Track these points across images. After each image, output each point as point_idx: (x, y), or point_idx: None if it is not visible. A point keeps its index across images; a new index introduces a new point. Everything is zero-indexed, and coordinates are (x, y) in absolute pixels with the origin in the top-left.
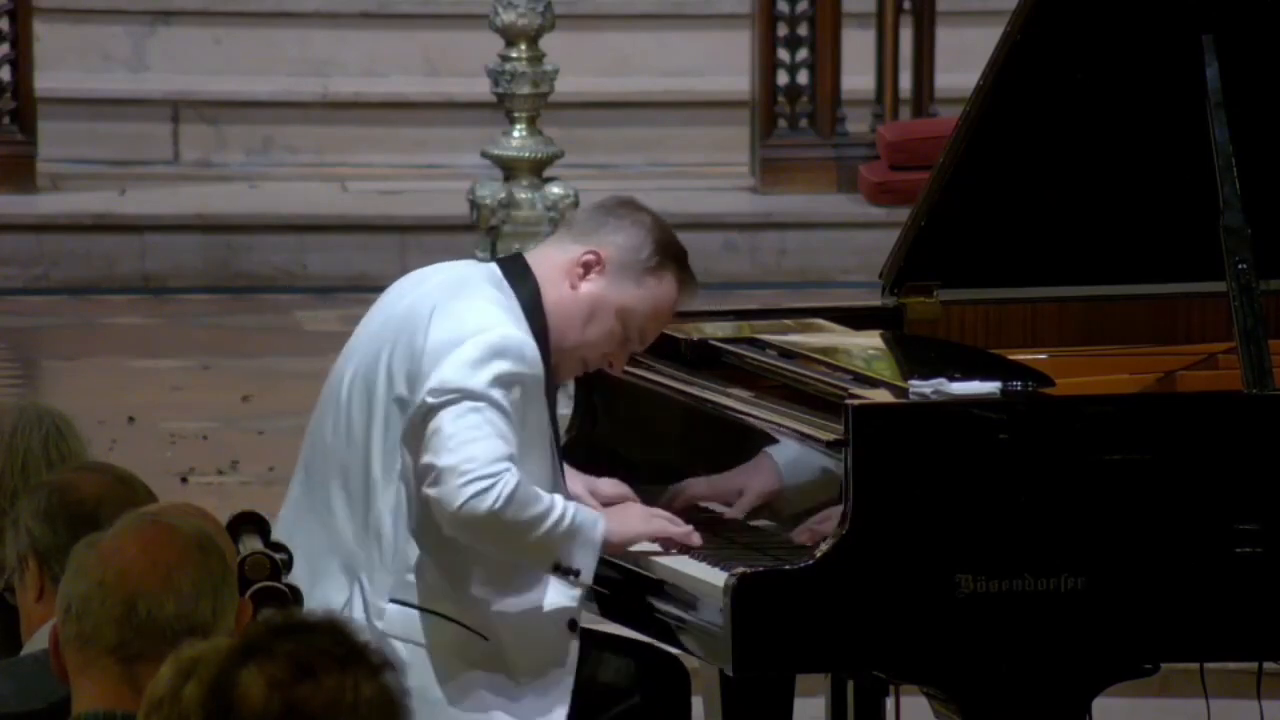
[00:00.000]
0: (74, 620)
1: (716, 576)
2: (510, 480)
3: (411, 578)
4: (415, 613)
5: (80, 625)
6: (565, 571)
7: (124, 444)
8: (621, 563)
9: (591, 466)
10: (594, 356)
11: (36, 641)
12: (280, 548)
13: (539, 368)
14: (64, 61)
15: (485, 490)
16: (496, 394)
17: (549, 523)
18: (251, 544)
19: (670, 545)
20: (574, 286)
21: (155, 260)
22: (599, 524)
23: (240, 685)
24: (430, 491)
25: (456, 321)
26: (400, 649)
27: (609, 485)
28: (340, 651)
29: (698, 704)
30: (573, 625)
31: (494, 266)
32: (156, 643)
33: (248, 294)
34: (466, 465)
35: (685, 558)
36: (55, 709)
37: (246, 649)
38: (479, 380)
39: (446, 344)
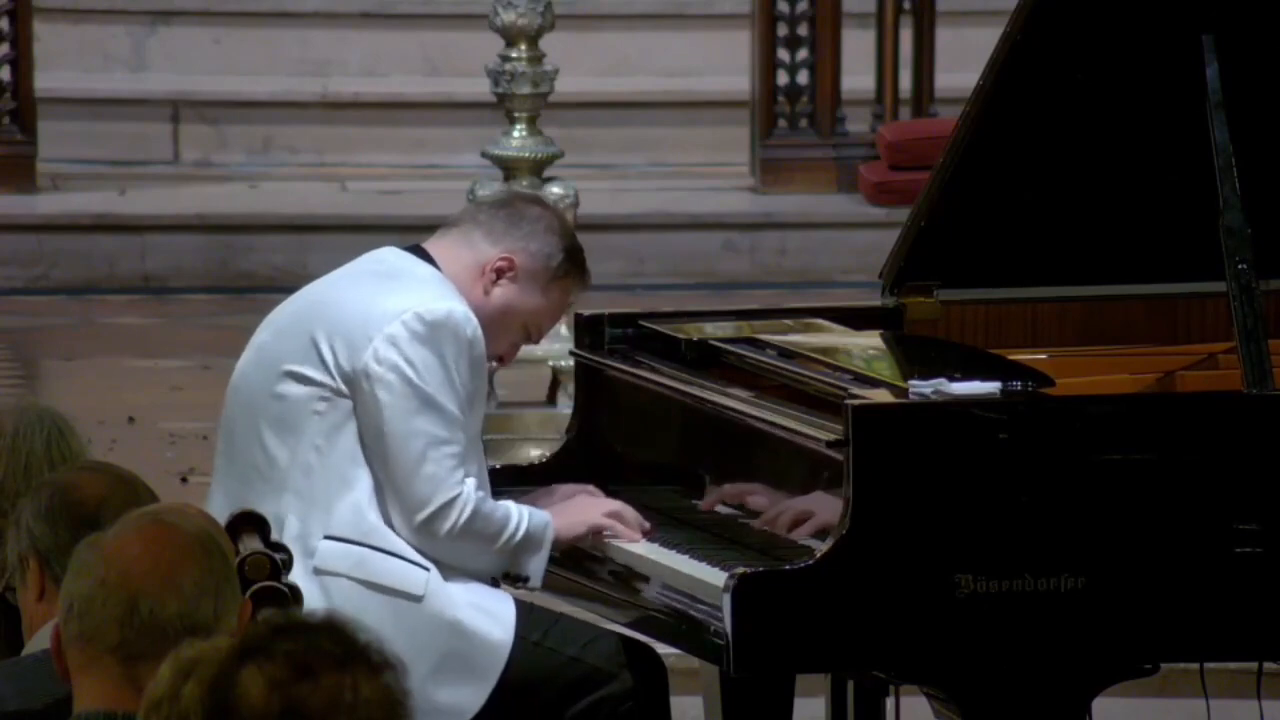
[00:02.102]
0: (75, 619)
1: (716, 576)
2: (467, 503)
3: (347, 515)
4: (351, 548)
5: (82, 624)
6: (515, 579)
7: (124, 444)
8: (619, 561)
9: (591, 466)
10: (507, 351)
11: (37, 641)
12: (280, 548)
13: (482, 344)
14: (64, 61)
15: (444, 518)
16: (448, 392)
17: (503, 539)
18: (251, 544)
19: (622, 535)
20: (486, 292)
21: (155, 260)
22: (548, 528)
23: (239, 685)
24: (390, 503)
25: (399, 295)
26: (336, 585)
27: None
28: (340, 651)
29: (698, 704)
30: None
31: (402, 252)
32: (158, 642)
33: (248, 294)
34: (424, 487)
35: (685, 558)
36: (56, 708)
37: (246, 649)
38: (425, 359)
39: (390, 314)
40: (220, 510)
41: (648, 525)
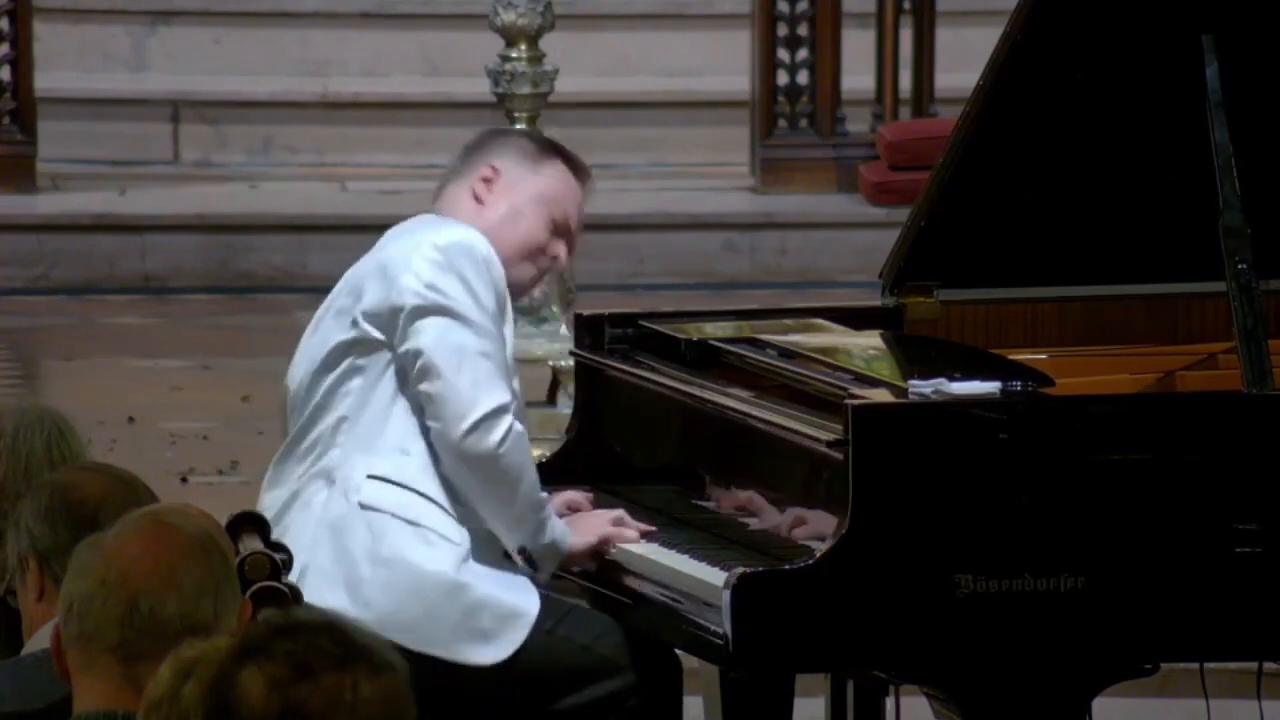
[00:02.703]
0: (76, 619)
1: (716, 576)
2: (513, 424)
3: (391, 457)
4: (394, 488)
5: (82, 624)
6: (528, 560)
7: (124, 444)
8: (619, 561)
9: (591, 466)
10: (538, 255)
11: (37, 641)
12: (280, 547)
13: (498, 265)
14: (64, 61)
15: (490, 429)
16: (477, 310)
17: (537, 495)
18: (251, 544)
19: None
20: (484, 202)
21: (155, 260)
22: (568, 538)
23: (239, 685)
24: (434, 424)
25: (413, 238)
26: (380, 521)
27: (569, 494)
28: (340, 651)
29: (698, 704)
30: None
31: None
32: (158, 642)
33: (248, 294)
34: (467, 394)
35: (685, 558)
36: (56, 709)
37: (246, 649)
38: (448, 282)
39: (407, 254)
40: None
41: (649, 528)
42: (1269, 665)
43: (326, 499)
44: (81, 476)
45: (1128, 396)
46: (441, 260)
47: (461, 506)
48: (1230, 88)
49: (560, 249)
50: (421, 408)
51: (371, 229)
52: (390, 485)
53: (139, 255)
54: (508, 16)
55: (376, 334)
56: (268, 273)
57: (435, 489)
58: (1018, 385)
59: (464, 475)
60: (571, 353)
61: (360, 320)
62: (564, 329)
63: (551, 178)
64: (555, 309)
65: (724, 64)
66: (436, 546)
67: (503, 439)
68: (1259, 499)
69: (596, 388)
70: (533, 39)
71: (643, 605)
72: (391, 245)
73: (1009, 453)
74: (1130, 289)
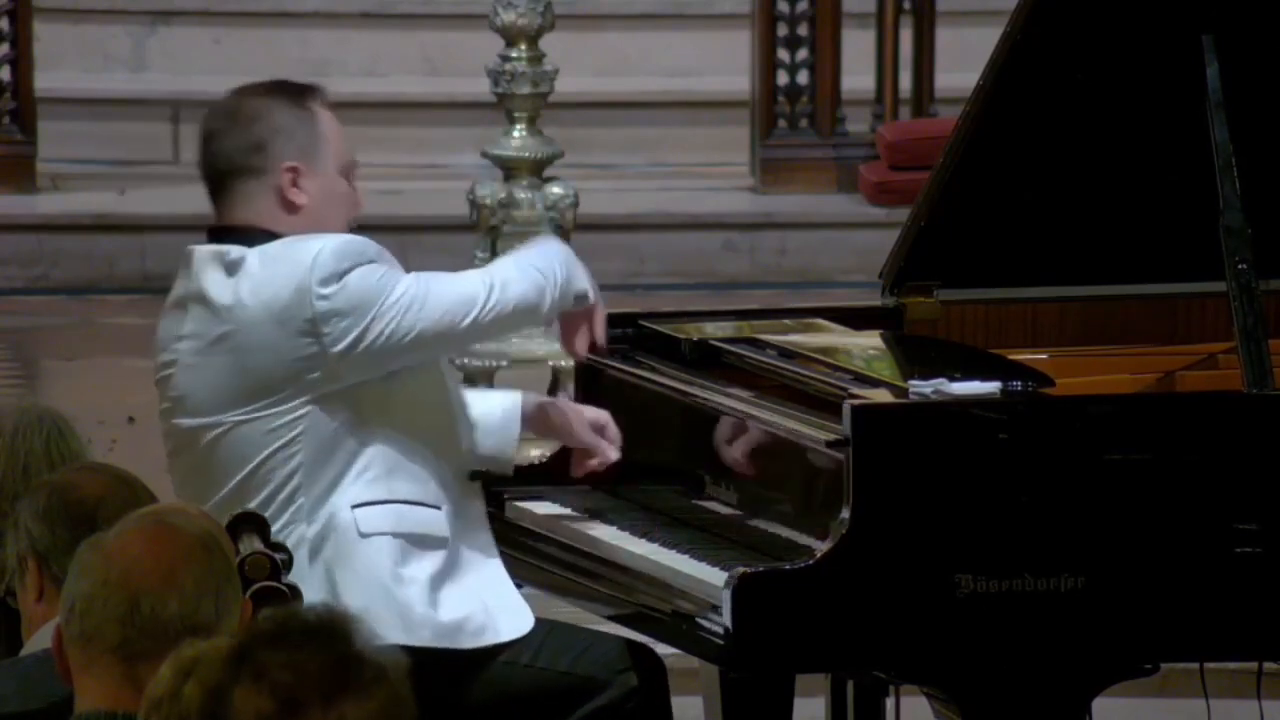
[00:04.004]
0: (77, 619)
1: (716, 576)
2: (481, 303)
3: (363, 482)
4: (383, 507)
5: (83, 624)
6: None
7: (124, 444)
8: (619, 561)
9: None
10: (354, 219)
11: (37, 642)
12: (280, 547)
13: (370, 242)
14: (64, 61)
15: (478, 314)
16: (378, 278)
17: (531, 277)
18: (251, 544)
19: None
20: (296, 204)
21: (155, 260)
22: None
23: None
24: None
25: (287, 276)
26: (384, 543)
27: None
28: (329, 675)
29: (697, 704)
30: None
31: (225, 248)
32: (159, 642)
33: None
34: (476, 313)
35: (685, 558)
36: (56, 709)
37: (239, 659)
38: (361, 287)
39: (299, 296)
40: None
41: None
42: (1269, 665)
43: (313, 543)
44: (80, 476)
45: (1128, 396)
46: (333, 278)
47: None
48: (1230, 88)
49: (359, 197)
50: (360, 426)
51: (371, 229)
52: (378, 505)
53: (139, 255)
54: (508, 16)
55: (291, 399)
56: None
57: (411, 489)
58: (1018, 385)
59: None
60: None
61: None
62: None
63: (329, 140)
64: None
65: (724, 64)
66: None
67: (491, 310)
68: (1259, 499)
69: (596, 388)
70: (533, 39)
71: (642, 605)
72: (259, 289)
73: (1009, 453)
74: (1130, 289)
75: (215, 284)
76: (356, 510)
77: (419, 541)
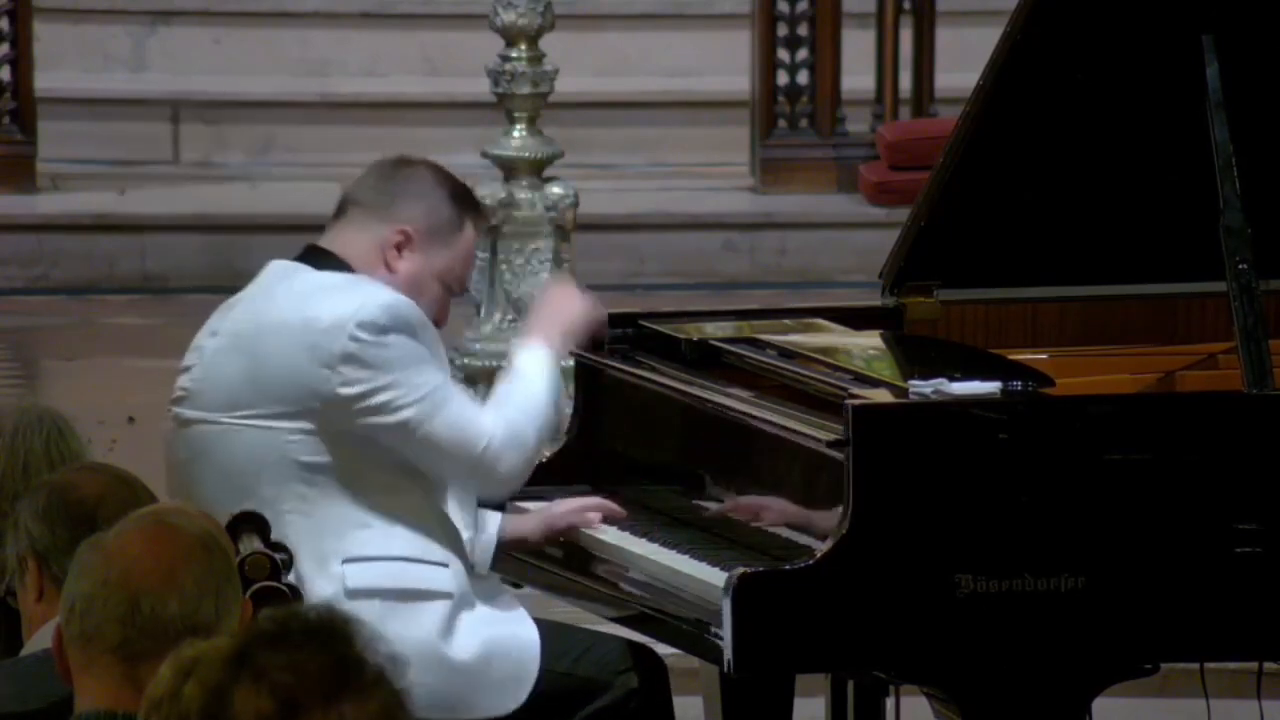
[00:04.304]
0: (77, 619)
1: (716, 576)
2: (492, 444)
3: (360, 534)
4: (376, 564)
5: (83, 624)
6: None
7: (124, 444)
8: (619, 562)
9: (591, 466)
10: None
11: (37, 642)
12: (280, 547)
13: (424, 317)
14: (64, 61)
15: (492, 465)
16: (413, 360)
17: (543, 435)
18: (251, 544)
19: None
20: (392, 269)
21: (155, 260)
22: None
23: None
24: (470, 487)
25: (332, 309)
26: (369, 606)
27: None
28: (329, 675)
29: (697, 704)
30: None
31: (298, 265)
32: (159, 642)
33: None
34: (478, 450)
35: (685, 558)
36: (56, 709)
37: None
38: (391, 355)
39: (334, 331)
40: None
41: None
42: (1269, 665)
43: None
44: (79, 476)
45: (1128, 396)
46: (372, 340)
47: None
48: (1230, 88)
49: (445, 310)
50: (360, 477)
51: None
52: (369, 562)
53: (139, 255)
54: (508, 16)
55: (306, 423)
56: None
57: (409, 547)
58: (1018, 385)
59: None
60: (571, 353)
61: (285, 400)
62: None
63: (460, 249)
64: None
65: (724, 64)
66: (427, 612)
67: (506, 465)
68: (1259, 499)
69: (596, 388)
70: (533, 39)
71: (641, 605)
72: (310, 311)
73: (1009, 453)
74: (1130, 289)
75: (269, 290)
76: (347, 566)
77: (415, 596)
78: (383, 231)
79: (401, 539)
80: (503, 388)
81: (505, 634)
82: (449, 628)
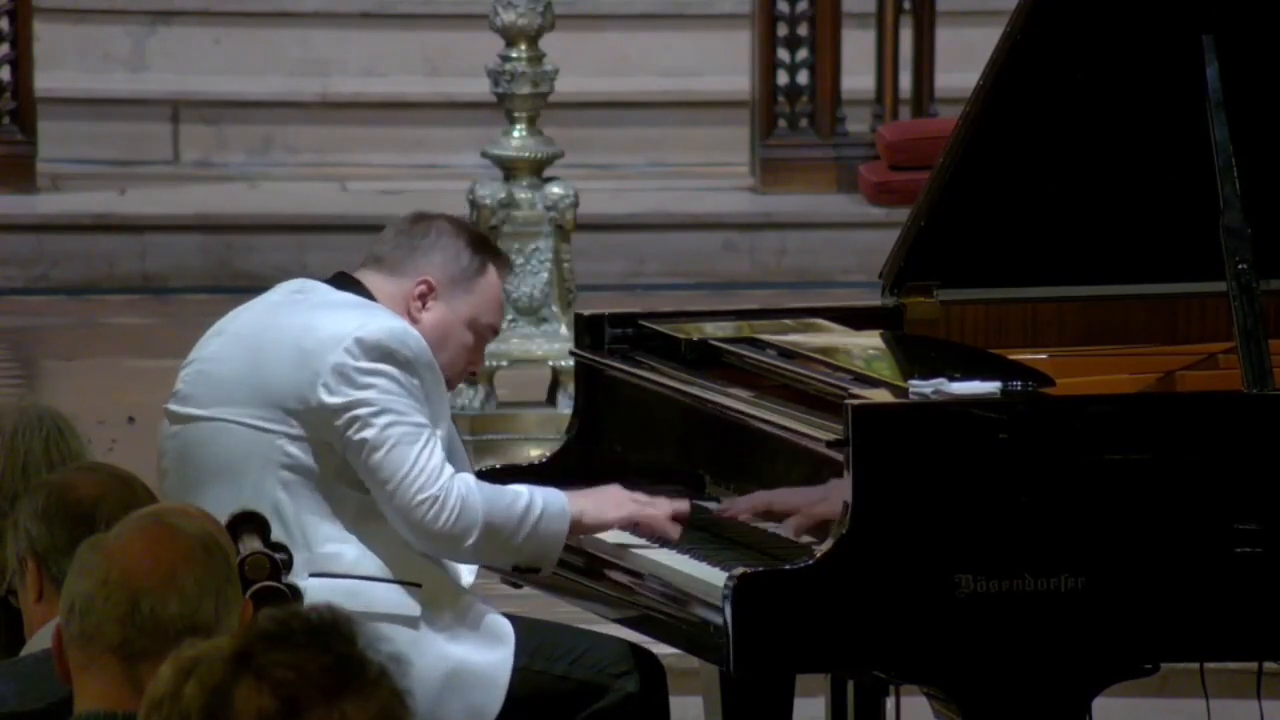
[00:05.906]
0: (77, 619)
1: (716, 576)
2: (448, 499)
3: (330, 549)
4: (339, 582)
5: (83, 624)
6: (525, 571)
7: (124, 444)
8: (619, 562)
9: (591, 466)
10: (457, 373)
11: (37, 642)
12: (280, 548)
13: (428, 353)
14: (64, 61)
15: (439, 509)
16: (399, 391)
17: (520, 517)
18: (251, 544)
19: (649, 532)
20: (416, 319)
21: (155, 260)
22: (566, 515)
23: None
24: (400, 528)
25: (333, 322)
26: None
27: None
28: (330, 675)
29: (697, 704)
30: None
31: (319, 282)
32: (159, 642)
33: (248, 294)
34: (417, 496)
35: (685, 558)
36: (56, 709)
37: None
38: (378, 380)
39: (328, 343)
40: None
41: (676, 534)
42: (1269, 665)
43: None
44: (79, 476)
45: (1128, 396)
46: (366, 357)
47: (413, 563)
48: (1230, 88)
49: (479, 360)
50: (339, 493)
51: (371, 229)
52: (334, 579)
53: (139, 255)
54: (508, 16)
55: (296, 428)
56: (268, 273)
57: (378, 568)
58: (1018, 385)
59: (443, 554)
60: (571, 353)
61: (279, 408)
62: (564, 329)
63: (483, 294)
64: (555, 309)
65: (724, 64)
66: (393, 629)
67: (445, 519)
68: (1259, 499)
69: (596, 388)
70: (533, 39)
71: (642, 605)
72: (316, 322)
73: (1009, 453)
74: (1130, 289)
75: (282, 298)
76: (312, 580)
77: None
78: (405, 284)
79: (374, 559)
80: (511, 486)
81: (472, 667)
82: (406, 643)
